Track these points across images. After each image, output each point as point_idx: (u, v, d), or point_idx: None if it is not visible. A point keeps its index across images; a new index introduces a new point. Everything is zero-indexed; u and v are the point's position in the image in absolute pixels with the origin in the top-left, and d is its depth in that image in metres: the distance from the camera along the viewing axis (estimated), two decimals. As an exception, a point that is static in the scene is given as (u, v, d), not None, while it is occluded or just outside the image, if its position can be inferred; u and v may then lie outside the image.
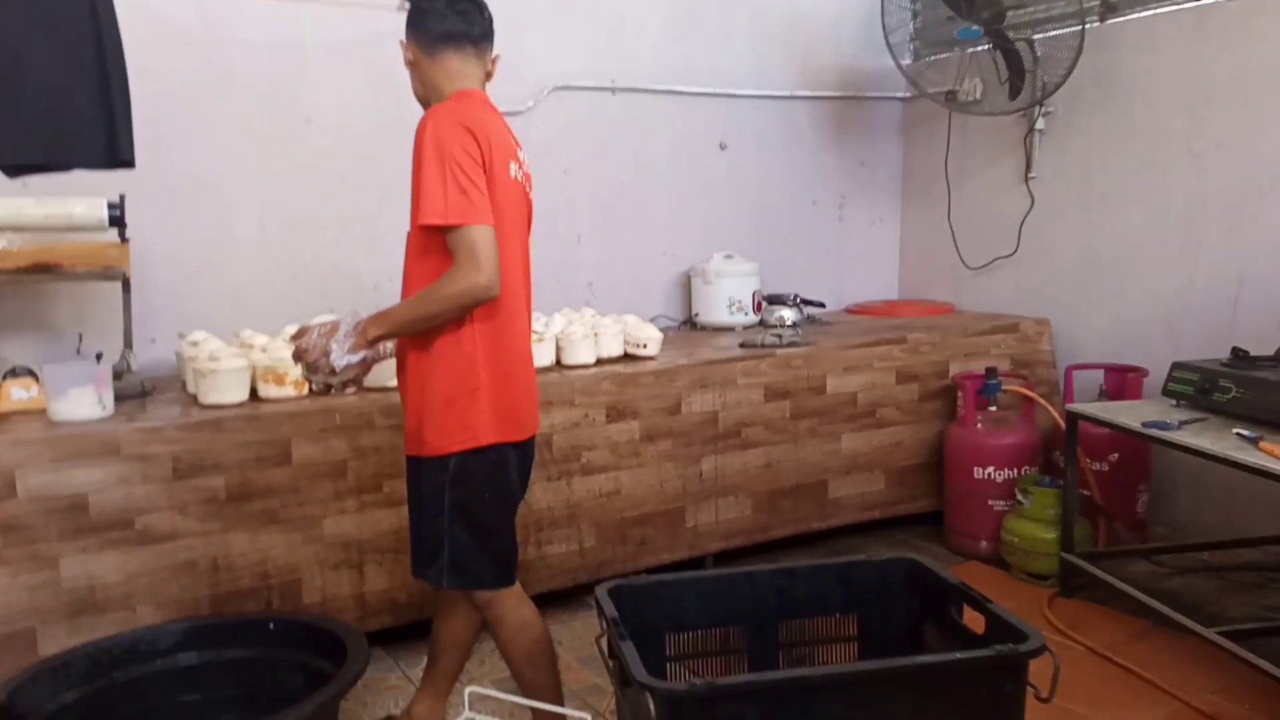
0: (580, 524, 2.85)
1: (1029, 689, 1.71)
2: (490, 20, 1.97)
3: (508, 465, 1.94)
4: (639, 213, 3.85)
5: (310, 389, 2.51)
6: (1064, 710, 2.27)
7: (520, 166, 1.96)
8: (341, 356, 1.85)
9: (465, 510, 1.88)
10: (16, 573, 2.17)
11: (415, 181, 1.79)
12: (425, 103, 1.97)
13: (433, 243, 1.81)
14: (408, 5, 1.94)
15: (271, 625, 2.29)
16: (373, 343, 1.87)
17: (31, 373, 2.46)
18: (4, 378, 2.45)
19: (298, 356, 1.91)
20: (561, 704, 2.04)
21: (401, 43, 1.95)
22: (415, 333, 1.86)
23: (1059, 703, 2.20)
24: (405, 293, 1.93)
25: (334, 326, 1.88)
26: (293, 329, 2.84)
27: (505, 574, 1.96)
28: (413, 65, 1.95)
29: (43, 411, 2.37)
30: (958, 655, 1.77)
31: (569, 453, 2.81)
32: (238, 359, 2.51)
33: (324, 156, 3.23)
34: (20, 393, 2.42)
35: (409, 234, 1.90)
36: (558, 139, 3.62)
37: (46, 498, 2.19)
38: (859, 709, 1.67)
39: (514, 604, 1.98)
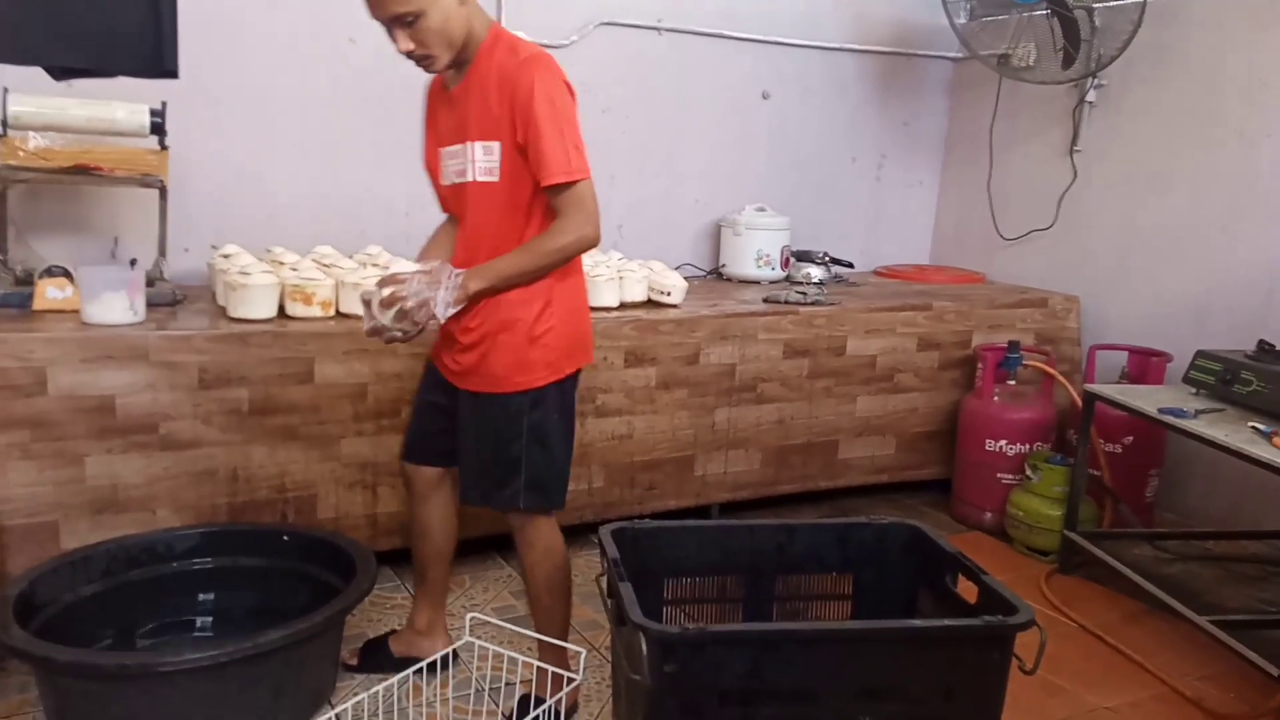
0: (591, 464, 2.90)
1: (1014, 661, 1.75)
2: None
3: (575, 389, 2.03)
4: (675, 158, 3.82)
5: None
6: (1049, 684, 2.31)
7: None
8: (445, 309, 1.81)
9: (542, 432, 1.95)
10: (43, 467, 2.24)
11: (535, 140, 1.78)
12: (454, 49, 1.84)
13: (535, 199, 1.85)
14: None
15: (285, 537, 2.36)
16: (474, 297, 1.84)
17: (67, 273, 2.51)
18: (40, 276, 2.50)
19: (392, 303, 1.81)
20: (566, 635, 2.11)
21: None
22: (515, 286, 1.86)
23: (1045, 676, 2.26)
24: (482, 246, 1.89)
25: (434, 277, 1.82)
26: (325, 250, 2.88)
27: (564, 495, 2.05)
28: (463, 5, 1.82)
29: (76, 312, 2.42)
30: (947, 622, 1.81)
31: (585, 393, 2.84)
32: (268, 275, 2.55)
33: (364, 77, 3.22)
34: (55, 292, 2.48)
35: (481, 185, 1.87)
36: (598, 76, 3.58)
37: (75, 397, 2.26)
38: (846, 666, 1.71)
39: (549, 529, 2.05)
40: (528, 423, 1.94)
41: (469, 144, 1.88)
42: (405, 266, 1.89)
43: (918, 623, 1.93)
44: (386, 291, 1.83)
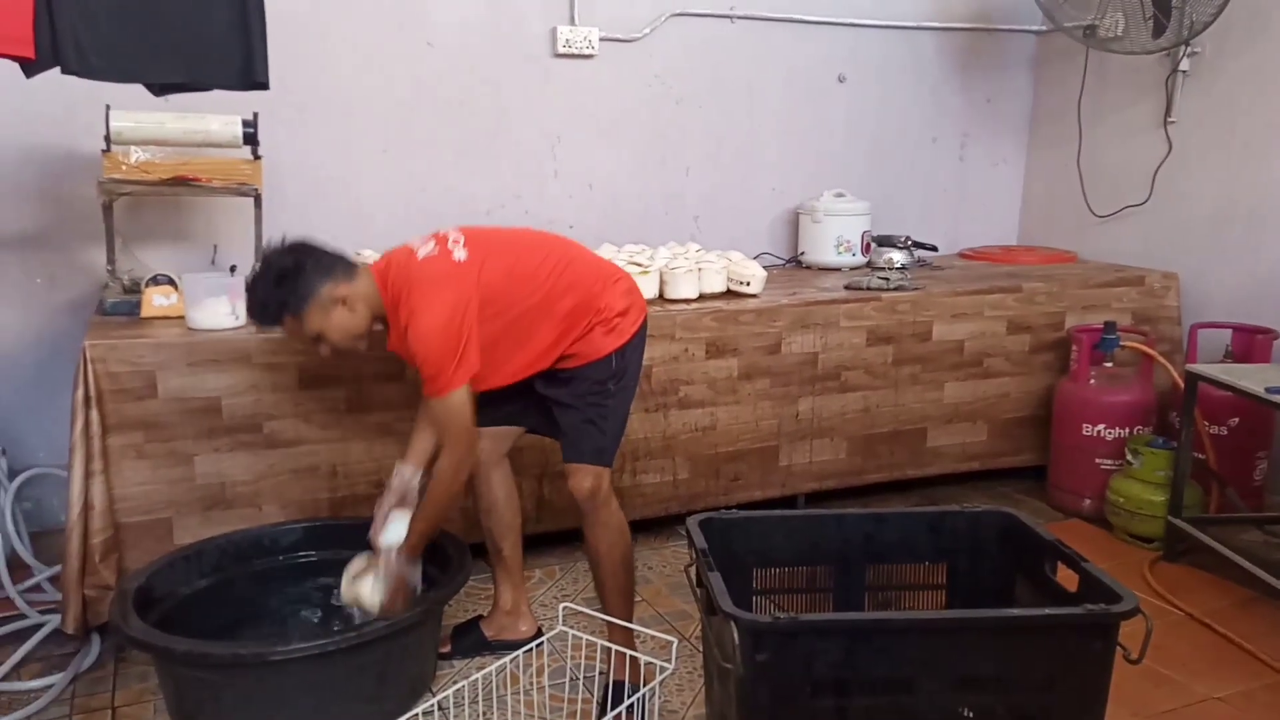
0: (675, 456, 2.91)
1: (1119, 650, 1.70)
2: None
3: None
4: (750, 146, 3.80)
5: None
6: (1155, 674, 2.24)
7: (457, 239, 2.10)
8: (419, 585, 2.14)
9: (626, 395, 2.16)
10: (157, 466, 2.35)
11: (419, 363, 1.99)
12: (365, 334, 2.09)
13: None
14: None
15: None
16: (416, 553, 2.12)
17: (171, 281, 2.63)
18: (146, 284, 2.62)
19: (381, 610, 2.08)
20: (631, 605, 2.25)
21: (302, 319, 2.01)
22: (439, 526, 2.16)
23: (1152, 666, 2.19)
24: None
25: (396, 580, 2.09)
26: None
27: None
28: (346, 309, 2.03)
29: (181, 318, 2.53)
30: (1046, 611, 1.77)
31: (667, 386, 2.86)
32: (358, 277, 2.62)
33: (443, 79, 3.29)
34: (161, 299, 2.59)
35: None
36: (671, 67, 3.58)
37: (183, 399, 2.36)
38: (942, 656, 1.69)
39: (618, 507, 2.18)
40: (614, 388, 2.14)
41: None
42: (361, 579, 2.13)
43: (1015, 612, 1.89)
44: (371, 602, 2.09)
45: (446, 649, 2.37)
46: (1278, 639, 2.41)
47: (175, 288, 2.60)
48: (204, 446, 2.39)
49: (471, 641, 2.39)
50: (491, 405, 2.18)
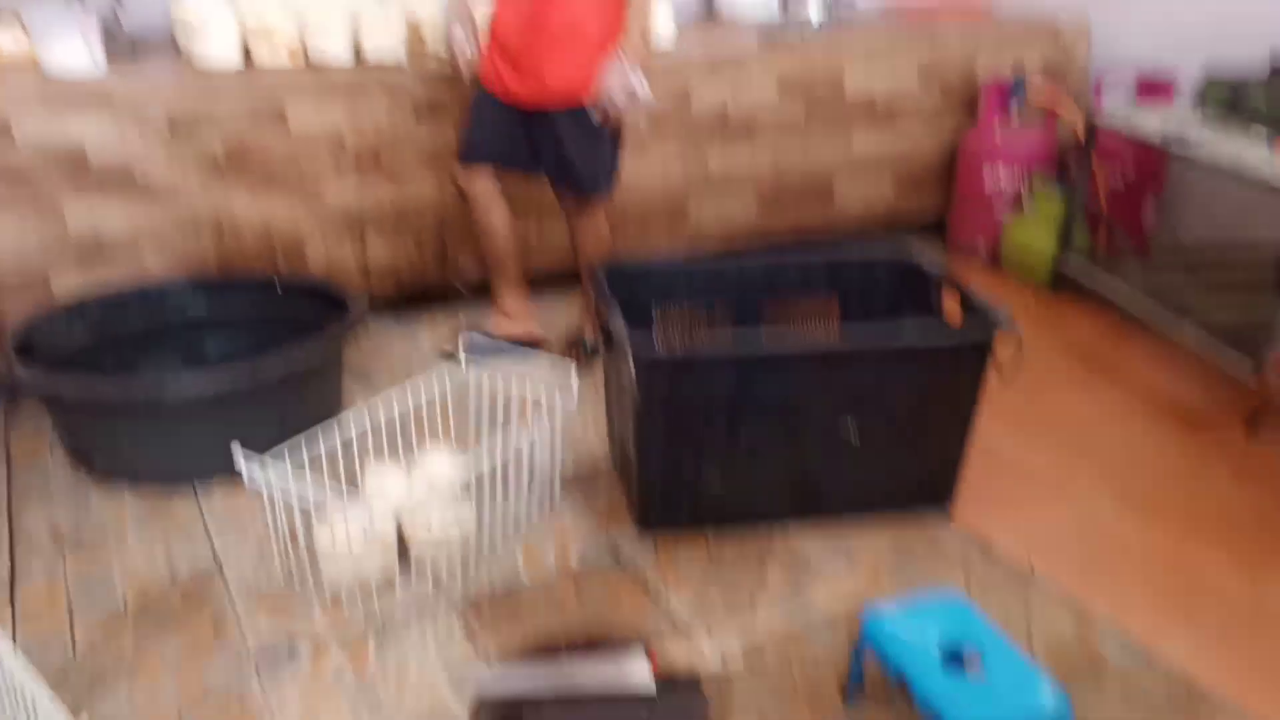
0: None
1: (993, 368, 1.79)
2: None
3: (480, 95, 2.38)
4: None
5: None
6: (1028, 391, 2.33)
7: None
8: (647, 91, 2.26)
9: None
10: (24, 217, 2.22)
11: None
12: None
13: None
14: None
15: (277, 285, 2.36)
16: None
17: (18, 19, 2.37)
18: (-9, 24, 2.36)
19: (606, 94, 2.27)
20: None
21: None
22: None
23: (1025, 385, 2.26)
24: (584, 30, 2.25)
25: (625, 76, 2.23)
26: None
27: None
28: None
29: (35, 64, 2.31)
30: (927, 331, 1.84)
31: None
32: (227, 14, 2.40)
33: None
34: (7, 40, 2.35)
35: None
36: None
37: (45, 147, 2.20)
38: (829, 378, 1.75)
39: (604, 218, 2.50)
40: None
41: None
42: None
43: (897, 331, 1.95)
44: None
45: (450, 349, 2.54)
46: (1144, 362, 2.60)
47: (21, 27, 2.35)
48: (72, 196, 2.24)
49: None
50: None
